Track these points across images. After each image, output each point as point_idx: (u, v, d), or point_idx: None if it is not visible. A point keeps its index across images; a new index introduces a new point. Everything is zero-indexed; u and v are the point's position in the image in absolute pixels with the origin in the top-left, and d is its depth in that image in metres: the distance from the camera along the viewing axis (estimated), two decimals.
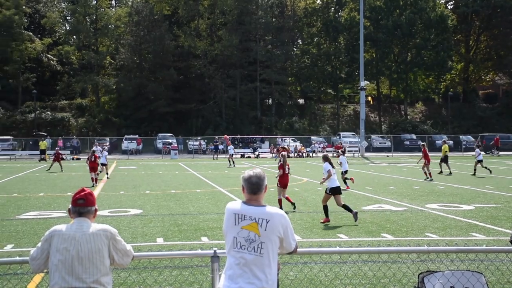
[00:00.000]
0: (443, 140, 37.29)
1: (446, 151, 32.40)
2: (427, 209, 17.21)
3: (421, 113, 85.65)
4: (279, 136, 68.35)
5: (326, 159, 15.90)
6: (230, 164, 42.50)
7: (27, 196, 21.43)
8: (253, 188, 4.73)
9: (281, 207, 16.36)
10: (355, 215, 14.69)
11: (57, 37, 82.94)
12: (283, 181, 17.54)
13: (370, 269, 9.17)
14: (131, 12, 77.44)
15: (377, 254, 9.17)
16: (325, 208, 15.19)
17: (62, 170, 35.78)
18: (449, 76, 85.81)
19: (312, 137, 67.83)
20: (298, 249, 5.08)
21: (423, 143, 34.21)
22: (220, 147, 59.14)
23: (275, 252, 4.65)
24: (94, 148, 33.82)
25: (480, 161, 31.01)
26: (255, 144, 63.35)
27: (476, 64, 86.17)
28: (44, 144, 53.43)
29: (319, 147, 61.50)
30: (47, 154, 47.73)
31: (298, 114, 79.51)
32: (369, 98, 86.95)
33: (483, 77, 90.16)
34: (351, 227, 13.95)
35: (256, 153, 58.87)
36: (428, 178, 27.80)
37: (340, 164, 24.27)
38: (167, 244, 11.88)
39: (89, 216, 4.77)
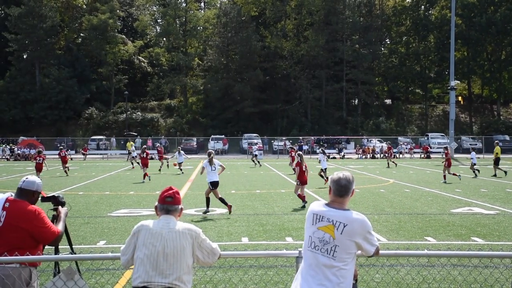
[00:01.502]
0: (496, 141, 36.51)
1: (497, 153, 32.10)
2: None
3: None
4: (365, 136, 67.45)
5: (209, 155, 17.56)
6: (256, 164, 42.96)
7: (118, 194, 22.23)
8: (341, 190, 4.70)
9: (304, 200, 18.14)
10: (230, 207, 16.39)
11: (148, 39, 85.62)
12: (302, 178, 18.67)
13: (460, 274, 8.89)
14: (219, 14, 78.74)
15: (467, 258, 8.90)
16: (207, 200, 16.81)
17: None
18: None
19: (399, 137, 66.51)
20: (385, 251, 5.01)
21: (445, 146, 36.34)
22: (305, 147, 59.12)
23: (351, 257, 4.56)
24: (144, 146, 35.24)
25: None
26: (340, 145, 62.83)
27: None
28: (130, 144, 55.09)
29: (406, 148, 60.25)
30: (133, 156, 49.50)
31: (384, 114, 78.14)
32: (460, 98, 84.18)
33: None
34: (439, 230, 13.58)
35: (342, 153, 58.35)
36: (443, 180, 27.42)
37: (319, 162, 26.38)
38: (252, 244, 11.96)
39: (175, 214, 4.88)
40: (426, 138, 65.16)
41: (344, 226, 4.54)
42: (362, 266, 9.16)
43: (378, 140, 63.55)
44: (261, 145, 60.71)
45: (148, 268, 4.64)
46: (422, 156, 56.65)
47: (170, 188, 4.98)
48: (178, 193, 4.96)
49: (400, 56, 79.55)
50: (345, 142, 64.82)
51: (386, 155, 43.93)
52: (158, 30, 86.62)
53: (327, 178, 24.93)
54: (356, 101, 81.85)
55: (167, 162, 38.18)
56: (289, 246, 11.51)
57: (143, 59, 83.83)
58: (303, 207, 17.82)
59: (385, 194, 21.81)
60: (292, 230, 13.63)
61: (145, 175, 28.62)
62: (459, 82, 69.34)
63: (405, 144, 61.87)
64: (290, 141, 62.80)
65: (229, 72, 76.74)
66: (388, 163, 41.34)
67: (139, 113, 75.85)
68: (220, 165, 17.48)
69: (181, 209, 4.94)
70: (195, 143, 64.38)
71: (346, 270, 4.52)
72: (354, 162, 50.06)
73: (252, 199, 20.42)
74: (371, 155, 57.65)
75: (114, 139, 65.85)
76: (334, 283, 4.48)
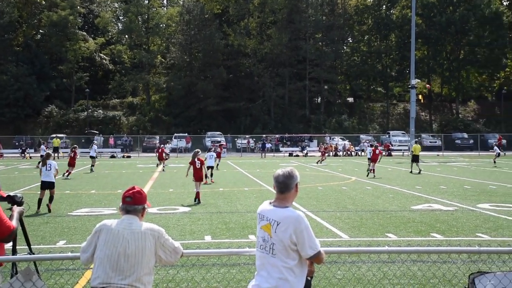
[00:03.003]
0: (416, 140, 38.26)
1: (413, 151, 33.22)
2: (478, 209, 16.84)
3: (474, 111, 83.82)
4: (327, 134, 68.00)
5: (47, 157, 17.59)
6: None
7: (78, 193, 21.94)
8: (280, 187, 4.67)
9: (197, 200, 18.66)
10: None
11: (109, 36, 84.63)
12: (197, 175, 19.18)
13: (420, 269, 9.04)
14: (182, 11, 78.30)
15: (426, 254, 9.03)
16: (39, 201, 16.71)
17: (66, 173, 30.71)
18: (503, 74, 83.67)
19: (361, 135, 67.25)
20: (347, 248, 5.00)
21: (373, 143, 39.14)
22: (268, 145, 59.30)
23: (292, 255, 4.51)
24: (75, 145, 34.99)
25: None
26: (303, 143, 63.18)
27: None
28: (57, 141, 54.13)
29: (367, 145, 60.90)
30: (63, 152, 48.44)
31: (347, 112, 78.88)
32: (420, 97, 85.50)
33: None
34: (400, 226, 13.78)
35: (305, 151, 58.71)
36: None
37: (205, 159, 25.97)
38: (215, 242, 11.96)
39: (137, 214, 4.80)
40: (387, 136, 66.00)
41: (278, 224, 4.53)
42: (325, 263, 9.23)
43: (341, 138, 64.16)
44: (224, 143, 60.62)
45: (108, 269, 4.58)
46: (384, 153, 57.33)
47: (132, 188, 4.91)
48: (139, 193, 4.86)
49: (362, 54, 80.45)
50: (308, 140, 65.19)
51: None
52: (120, 27, 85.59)
53: (211, 180, 26.11)
54: (319, 99, 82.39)
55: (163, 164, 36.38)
56: (251, 244, 11.53)
57: (104, 56, 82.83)
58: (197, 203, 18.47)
59: (347, 192, 22.03)
60: (255, 228, 13.52)
61: (68, 172, 29.19)
62: (419, 80, 70.41)
63: (367, 142, 62.50)
64: (333, 138, 63.34)
65: (192, 70, 76.44)
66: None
67: (100, 111, 74.99)
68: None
69: (144, 209, 4.85)
70: (157, 141, 63.95)
71: (290, 268, 4.50)
72: (317, 159, 50.37)
73: (215, 197, 20.39)
74: (333, 153, 58.11)
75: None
76: (280, 280, 4.49)
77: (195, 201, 18.73)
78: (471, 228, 13.54)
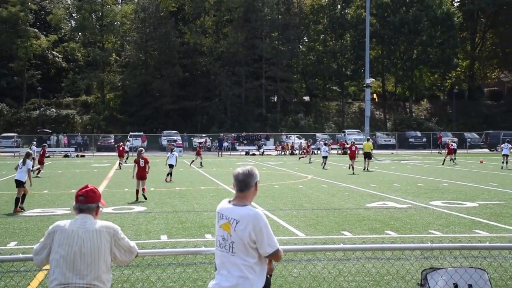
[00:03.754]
0: (367, 138, 39.76)
1: (363, 149, 34.44)
2: (431, 206, 17.18)
3: (426, 110, 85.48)
4: (284, 133, 68.34)
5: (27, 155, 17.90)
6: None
7: (30, 193, 21.44)
8: (240, 185, 4.68)
9: (137, 198, 19.01)
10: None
11: (62, 34, 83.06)
12: (139, 173, 19.45)
13: (374, 266, 9.16)
14: (137, 9, 77.49)
15: (380, 251, 9.18)
16: (17, 200, 16.73)
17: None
18: (454, 74, 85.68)
19: (317, 134, 67.81)
20: (302, 246, 5.03)
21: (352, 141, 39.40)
22: (225, 144, 59.26)
23: (252, 253, 4.52)
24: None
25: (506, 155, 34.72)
26: (260, 142, 63.34)
27: (481, 61, 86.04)
28: None
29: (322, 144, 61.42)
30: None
31: (303, 111, 79.46)
32: (375, 96, 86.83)
33: (488, 75, 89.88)
34: (355, 224, 13.94)
35: (261, 150, 58.86)
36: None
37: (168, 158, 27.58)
38: (171, 241, 11.89)
39: (91, 212, 4.75)
40: (343, 135, 66.70)
41: (237, 223, 4.53)
42: (281, 262, 9.27)
43: (297, 137, 64.54)
44: (181, 142, 60.34)
45: (65, 270, 4.52)
46: (339, 152, 57.96)
47: (85, 187, 4.86)
48: (93, 191, 4.81)
49: (318, 54, 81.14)
50: (265, 139, 65.39)
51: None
52: (73, 25, 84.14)
53: (169, 179, 26.51)
54: (275, 98, 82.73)
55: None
56: (208, 243, 11.48)
57: (57, 54, 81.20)
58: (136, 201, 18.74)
59: (304, 190, 22.17)
60: (212, 227, 13.61)
61: (38, 169, 29.06)
62: (374, 80, 71.47)
63: (323, 140, 63.02)
64: (289, 137, 63.85)
65: (147, 68, 75.76)
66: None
67: (53, 109, 73.63)
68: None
69: (98, 207, 4.81)
70: (112, 140, 63.29)
71: (250, 266, 4.51)
72: (273, 158, 50.62)
73: (172, 196, 20.26)
74: (290, 152, 58.42)
75: None
76: (240, 279, 4.49)
77: (136, 200, 18.96)
78: (424, 225, 13.79)
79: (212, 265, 8.28)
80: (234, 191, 4.77)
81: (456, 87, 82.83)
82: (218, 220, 4.73)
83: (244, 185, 4.68)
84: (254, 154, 57.33)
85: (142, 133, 64.58)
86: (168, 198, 19.74)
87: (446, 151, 40.81)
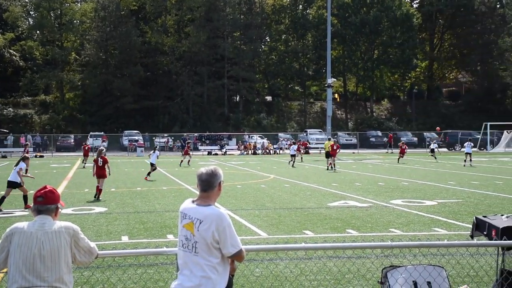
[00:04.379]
0: (328, 138, 41.98)
1: (324, 148, 36.02)
2: (392, 205, 17.41)
3: (387, 110, 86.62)
4: (246, 133, 68.39)
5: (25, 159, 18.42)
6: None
7: None
8: (203, 185, 4.67)
9: (98, 197, 19.33)
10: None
11: (19, 32, 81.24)
12: (97, 172, 20.02)
13: (335, 265, 9.24)
14: (97, 8, 76.41)
15: (342, 250, 9.23)
16: (2, 199, 17.13)
17: None
18: (414, 74, 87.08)
19: (280, 134, 68.08)
20: (264, 246, 5.02)
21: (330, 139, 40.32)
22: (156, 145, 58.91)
23: (215, 253, 4.52)
24: None
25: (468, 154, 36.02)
26: (222, 141, 63.23)
27: (440, 62, 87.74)
28: None
29: (286, 144, 61.67)
30: None
31: (265, 111, 79.66)
32: (336, 95, 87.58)
33: (446, 75, 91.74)
34: (317, 223, 14.03)
35: (224, 150, 58.78)
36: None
37: (149, 156, 28.35)
38: (132, 242, 11.79)
39: (50, 214, 4.68)
40: (305, 134, 67.08)
41: (200, 223, 4.52)
42: (243, 261, 9.26)
43: (259, 136, 64.66)
44: (142, 142, 59.85)
45: (25, 273, 4.44)
46: (302, 151, 58.22)
47: (44, 188, 4.79)
48: (51, 192, 4.75)
49: (280, 54, 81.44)
50: (227, 139, 65.30)
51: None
52: (31, 23, 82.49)
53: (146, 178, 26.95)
54: (238, 97, 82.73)
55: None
56: (170, 243, 11.41)
57: (14, 52, 79.46)
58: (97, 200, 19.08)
59: (266, 190, 22.22)
60: (174, 227, 13.53)
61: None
62: (335, 80, 72.00)
63: (285, 140, 63.35)
64: (251, 136, 63.91)
65: (108, 67, 74.87)
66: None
67: (10, 109, 72.18)
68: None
69: (57, 208, 4.74)
70: (72, 140, 62.40)
71: (213, 266, 4.50)
72: (236, 158, 50.61)
73: (133, 196, 20.07)
74: (252, 151, 58.49)
75: None
76: (203, 279, 4.48)
77: (95, 197, 19.29)
78: (384, 224, 13.97)
79: (174, 265, 8.22)
80: (197, 191, 4.75)
81: (416, 87, 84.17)
82: (181, 220, 4.70)
83: (208, 185, 4.66)
84: (216, 154, 57.21)
85: (102, 133, 63.82)
86: (129, 198, 19.56)
87: (399, 151, 43.15)
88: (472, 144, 37.99)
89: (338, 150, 35.44)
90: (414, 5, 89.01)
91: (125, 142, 60.36)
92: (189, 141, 49.52)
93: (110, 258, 8.87)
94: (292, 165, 36.58)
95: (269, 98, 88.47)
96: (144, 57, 75.67)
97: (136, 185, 24.28)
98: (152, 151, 29.68)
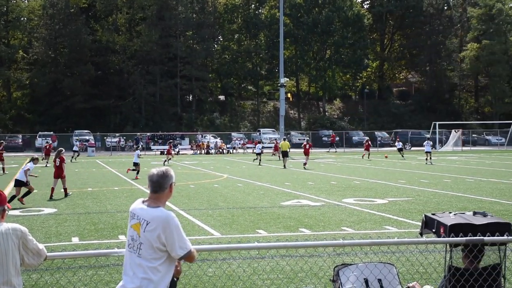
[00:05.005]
0: (284, 138, 43.83)
1: (281, 148, 37.29)
2: (344, 203, 17.60)
3: (339, 109, 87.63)
4: (199, 132, 68.14)
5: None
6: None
7: None
8: (154, 186, 4.60)
9: (51, 197, 19.49)
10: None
11: None
12: (56, 172, 20.18)
13: (288, 264, 9.27)
14: (45, 5, 74.77)
15: (294, 249, 9.28)
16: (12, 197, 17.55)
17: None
18: (365, 74, 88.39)
19: (233, 133, 68.06)
20: (217, 246, 5.00)
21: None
22: (141, 143, 58.33)
23: (160, 255, 4.46)
24: None
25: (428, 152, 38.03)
26: (175, 141, 62.80)
27: (390, 62, 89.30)
28: None
29: (239, 144, 61.74)
30: None
31: (219, 110, 79.54)
32: (289, 95, 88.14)
33: (397, 75, 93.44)
34: (270, 222, 14.07)
35: (176, 149, 58.39)
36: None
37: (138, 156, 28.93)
38: (82, 244, 11.60)
39: None
40: (258, 134, 67.24)
41: (147, 224, 4.46)
42: (196, 261, 9.21)
43: (213, 136, 64.52)
44: (93, 142, 58.93)
45: None
46: (255, 151, 58.32)
47: None
48: None
49: (233, 53, 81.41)
50: (180, 138, 64.92)
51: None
52: None
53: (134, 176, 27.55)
54: (191, 97, 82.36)
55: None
56: (121, 244, 11.26)
57: None
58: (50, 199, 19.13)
59: (219, 189, 22.18)
60: (125, 228, 13.28)
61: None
62: (288, 79, 72.47)
63: (239, 139, 63.43)
64: (205, 136, 63.84)
65: (57, 66, 73.45)
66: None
67: None
68: None
69: (4, 210, 4.61)
70: (20, 140, 60.99)
71: (155, 268, 4.44)
72: (189, 158, 50.36)
73: (83, 197, 19.74)
74: (205, 151, 58.32)
75: None
76: (145, 281, 4.42)
77: (50, 198, 19.30)
78: (336, 222, 14.11)
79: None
80: (145, 190, 4.70)
81: (367, 87, 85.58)
82: (130, 220, 4.66)
83: (159, 186, 4.60)
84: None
85: (52, 132, 62.58)
86: (80, 199, 19.23)
87: (364, 147, 46.31)
88: (431, 143, 40.80)
89: (310, 149, 37.08)
90: (365, 6, 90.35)
91: (76, 142, 59.31)
92: (171, 140, 49.68)
93: (60, 260, 8.69)
94: (259, 163, 37.96)
95: (222, 97, 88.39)
96: (94, 56, 74.52)
97: (86, 186, 23.89)
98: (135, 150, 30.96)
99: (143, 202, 4.65)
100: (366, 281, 6.25)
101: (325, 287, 8.10)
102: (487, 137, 70.48)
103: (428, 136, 51.76)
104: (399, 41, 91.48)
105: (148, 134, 64.32)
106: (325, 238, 11.84)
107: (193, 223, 13.93)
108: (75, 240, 12.07)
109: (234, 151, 58.95)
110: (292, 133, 69.86)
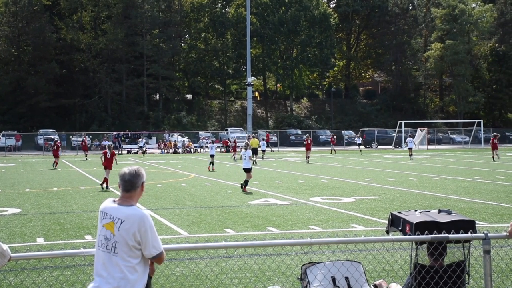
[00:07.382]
0: (253, 135, 45.91)
1: (251, 145, 37.19)
2: (311, 202, 17.70)
3: (306, 108, 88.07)
4: (166, 131, 67.77)
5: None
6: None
7: None
8: (125, 185, 4.60)
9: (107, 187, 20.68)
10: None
11: None
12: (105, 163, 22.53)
13: (256, 262, 9.29)
14: (7, 2, 73.33)
15: (262, 248, 9.30)
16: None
17: None
18: (332, 73, 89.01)
19: (200, 132, 67.86)
20: (184, 245, 4.99)
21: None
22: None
23: (136, 254, 4.47)
24: None
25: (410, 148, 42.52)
26: (142, 140, 62.26)
27: (356, 61, 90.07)
28: None
29: (207, 143, 61.53)
30: None
31: (186, 109, 79.20)
32: (256, 94, 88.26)
33: (363, 74, 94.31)
34: (238, 221, 14.08)
35: (144, 149, 57.96)
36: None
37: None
38: (48, 244, 11.44)
39: None
40: (225, 133, 67.17)
41: (121, 223, 4.46)
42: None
43: (180, 135, 64.24)
44: (59, 141, 58.01)
45: None
46: (222, 150, 58.30)
47: None
48: None
49: (200, 52, 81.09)
50: (147, 137, 64.47)
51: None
52: None
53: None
54: (158, 96, 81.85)
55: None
56: (88, 244, 11.16)
57: None
58: None
59: (187, 188, 22.10)
60: (92, 227, 13.22)
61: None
62: (255, 78, 72.56)
63: (206, 138, 63.23)
64: (172, 135, 63.45)
65: (21, 64, 72.24)
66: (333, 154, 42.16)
67: None
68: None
69: None
70: None
71: (132, 267, 4.44)
72: (156, 157, 50.06)
73: (49, 197, 19.46)
74: (173, 150, 58.03)
75: None
76: (120, 280, 4.41)
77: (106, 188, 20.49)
78: (304, 221, 14.18)
79: (91, 266, 8.04)
80: (117, 191, 4.66)
81: (334, 86, 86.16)
82: (101, 220, 4.60)
83: (131, 185, 4.60)
84: (136, 153, 56.32)
85: (16, 132, 61.56)
86: (45, 199, 18.96)
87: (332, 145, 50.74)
88: (413, 140, 43.33)
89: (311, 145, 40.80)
90: (331, 5, 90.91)
91: (40, 141, 58.51)
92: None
93: (24, 260, 8.56)
94: (234, 159, 41.80)
95: (189, 96, 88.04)
96: (59, 54, 73.46)
97: (52, 185, 23.55)
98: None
99: (114, 201, 4.63)
100: (334, 279, 6.30)
101: (293, 286, 8.13)
102: (452, 136, 71.66)
103: (393, 134, 52.76)
104: (365, 40, 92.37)
105: (115, 133, 63.61)
106: (293, 236, 11.89)
107: (160, 223, 13.85)
108: (40, 240, 11.90)
109: (202, 150, 58.79)
110: (260, 131, 69.69)
